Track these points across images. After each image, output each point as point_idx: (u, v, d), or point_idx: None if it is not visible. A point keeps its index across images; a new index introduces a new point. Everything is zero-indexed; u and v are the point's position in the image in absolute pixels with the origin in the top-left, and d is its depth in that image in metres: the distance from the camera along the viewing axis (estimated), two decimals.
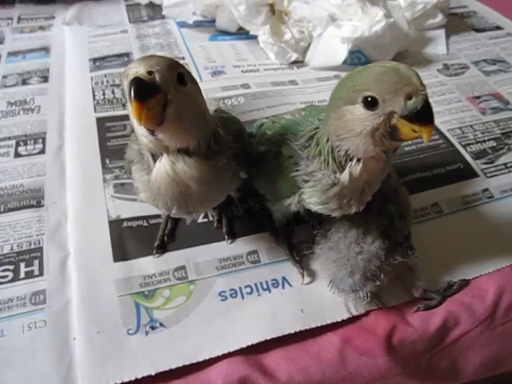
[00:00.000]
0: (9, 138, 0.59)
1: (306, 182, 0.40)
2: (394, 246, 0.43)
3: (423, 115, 0.32)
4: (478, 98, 0.71)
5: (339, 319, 0.43)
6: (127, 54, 0.76)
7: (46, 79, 0.70)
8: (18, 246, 0.47)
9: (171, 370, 0.39)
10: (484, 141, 0.63)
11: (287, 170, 0.41)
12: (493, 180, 0.57)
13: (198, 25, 0.84)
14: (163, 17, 0.87)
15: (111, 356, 0.39)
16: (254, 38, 0.79)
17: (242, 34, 0.82)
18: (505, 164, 0.60)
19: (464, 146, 0.62)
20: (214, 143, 0.38)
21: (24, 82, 0.69)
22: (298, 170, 0.40)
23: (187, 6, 0.77)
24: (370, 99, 0.33)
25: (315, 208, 0.41)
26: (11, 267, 0.45)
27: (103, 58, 0.75)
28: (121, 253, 0.47)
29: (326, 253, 0.44)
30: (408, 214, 0.45)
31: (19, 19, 0.87)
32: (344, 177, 0.38)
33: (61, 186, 0.53)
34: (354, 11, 0.71)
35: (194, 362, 0.40)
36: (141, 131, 0.34)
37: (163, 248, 0.48)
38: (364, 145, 0.35)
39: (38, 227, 0.48)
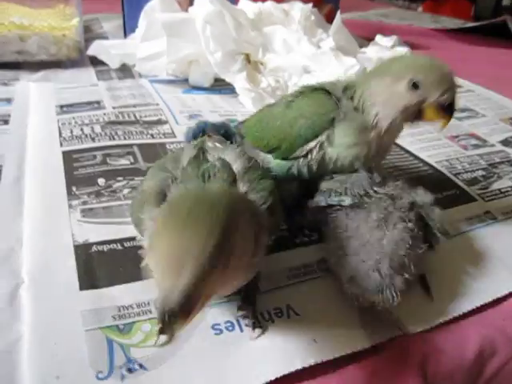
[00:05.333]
0: None
1: (345, 119, 0.43)
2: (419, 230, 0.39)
3: (450, 108, 0.41)
4: (457, 137, 0.72)
5: (360, 348, 0.36)
6: (98, 102, 0.73)
7: (6, 122, 0.65)
8: None
9: None
10: (473, 170, 0.62)
11: (324, 102, 0.44)
12: (492, 203, 0.55)
13: (170, 82, 0.84)
14: (134, 77, 0.87)
15: None
16: (229, 92, 0.80)
17: (215, 89, 0.82)
18: (499, 189, 0.58)
19: (455, 175, 0.60)
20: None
21: None
22: (338, 106, 0.43)
23: (160, 60, 0.76)
24: (415, 82, 0.40)
25: (341, 152, 0.43)
26: None
27: (71, 105, 0.71)
28: (89, 280, 0.38)
29: (344, 243, 0.38)
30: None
31: None
32: (379, 128, 0.43)
33: (16, 213, 0.45)
34: (327, 60, 0.74)
35: None
36: None
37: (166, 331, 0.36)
38: (393, 115, 0.42)
39: None
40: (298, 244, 0.45)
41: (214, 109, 0.74)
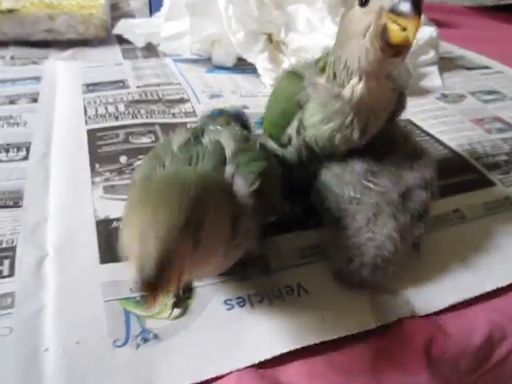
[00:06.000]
0: None
1: (310, 97, 0.39)
2: (413, 222, 0.39)
3: (408, 6, 0.32)
4: (482, 120, 0.70)
5: (368, 328, 0.36)
6: (122, 81, 0.74)
7: (35, 100, 0.67)
8: None
9: None
10: (494, 155, 0.61)
11: (293, 84, 0.41)
12: None
13: (194, 61, 0.84)
14: (159, 56, 0.88)
15: (92, 371, 0.31)
16: (251, 72, 0.79)
17: (238, 68, 0.82)
18: None
19: (476, 159, 0.59)
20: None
21: (11, 103, 0.66)
22: (303, 83, 0.40)
23: (184, 40, 0.77)
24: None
25: (315, 132, 0.40)
26: None
27: (97, 84, 0.73)
28: (109, 254, 0.40)
29: (335, 239, 0.39)
30: (434, 184, 0.41)
31: (12, 58, 0.86)
32: (346, 90, 0.37)
33: (43, 188, 0.48)
34: None
35: (197, 381, 0.32)
36: None
37: (179, 304, 0.37)
38: (359, 49, 0.35)
39: (13, 227, 0.42)
40: (312, 226, 0.46)
41: (236, 89, 0.74)
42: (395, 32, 0.33)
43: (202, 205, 0.26)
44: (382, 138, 0.43)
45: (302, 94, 0.40)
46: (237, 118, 0.48)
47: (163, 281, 0.24)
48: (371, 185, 0.40)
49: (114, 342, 0.33)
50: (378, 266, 0.37)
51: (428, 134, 0.65)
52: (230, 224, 0.30)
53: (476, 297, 0.40)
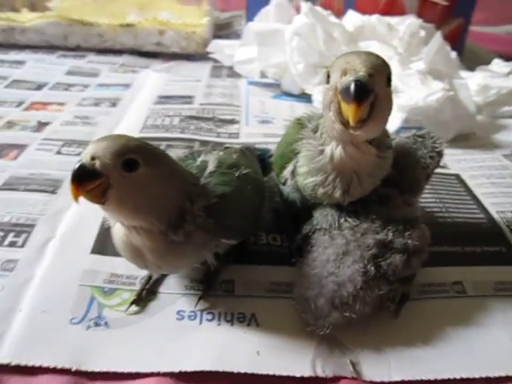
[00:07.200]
0: (59, 140, 0.66)
1: (302, 148, 0.42)
2: (381, 279, 0.38)
3: (349, 93, 0.33)
4: None
5: (298, 375, 0.37)
6: (190, 97, 0.83)
7: (114, 105, 0.79)
8: (16, 219, 0.50)
9: (92, 372, 0.36)
10: None
11: (294, 132, 0.44)
12: None
13: (266, 85, 0.89)
14: (241, 76, 0.94)
15: (44, 337, 0.38)
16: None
17: (303, 97, 0.85)
18: None
19: None
20: (176, 220, 0.36)
21: (96, 105, 0.79)
22: (302, 134, 0.43)
23: (253, 65, 0.82)
24: (328, 74, 0.37)
25: (303, 182, 0.42)
26: (1, 234, 0.48)
27: (169, 97, 0.82)
28: (100, 247, 0.47)
29: (302, 267, 0.40)
30: (416, 256, 0.40)
31: (121, 65, 1.01)
32: (327, 150, 0.39)
33: None
34: (413, 82, 0.70)
35: (118, 371, 0.36)
36: None
37: (138, 303, 0.42)
38: (327, 119, 0.37)
39: (41, 209, 0.52)
40: (292, 263, 0.47)
41: (290, 118, 0.76)
42: (344, 110, 0.35)
43: (147, 155, 0.34)
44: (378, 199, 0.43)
45: (298, 143, 0.42)
46: (260, 158, 0.54)
47: (86, 178, 0.32)
48: (347, 223, 0.41)
49: (72, 319, 0.40)
50: (335, 305, 0.37)
51: (470, 194, 0.60)
52: (175, 203, 0.36)
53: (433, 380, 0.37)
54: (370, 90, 0.34)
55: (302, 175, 0.42)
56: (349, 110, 0.34)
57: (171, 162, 0.38)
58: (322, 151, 0.40)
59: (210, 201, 0.38)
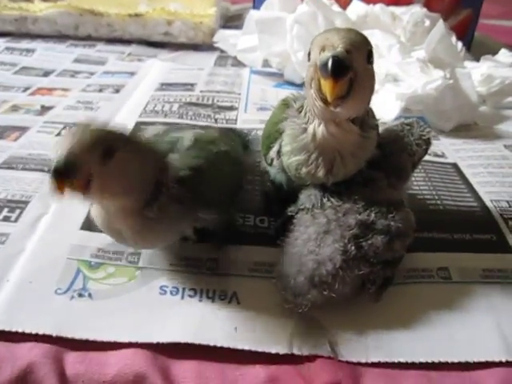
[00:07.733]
0: (60, 123, 0.68)
1: (286, 127, 0.42)
2: (361, 260, 0.38)
3: (326, 69, 0.33)
4: None
5: (273, 351, 0.37)
6: (191, 84, 0.84)
7: (117, 91, 0.81)
8: (12, 195, 0.51)
9: (74, 340, 0.37)
10: None
11: (280, 112, 0.44)
12: None
13: (269, 74, 0.90)
14: (245, 66, 0.95)
15: (28, 305, 0.39)
16: None
17: None
18: None
19: (506, 220, 0.52)
20: (151, 195, 0.37)
21: (99, 91, 0.81)
22: (286, 113, 0.43)
23: (255, 54, 0.82)
24: (309, 51, 0.37)
25: (287, 162, 0.42)
26: None
27: (170, 84, 0.83)
28: (89, 223, 0.47)
29: (284, 246, 0.41)
30: (399, 239, 0.40)
31: (129, 54, 1.02)
32: (310, 129, 0.39)
33: None
34: (413, 71, 0.69)
35: (98, 339, 0.37)
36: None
37: None
38: (309, 97, 0.37)
39: (36, 187, 0.53)
40: (276, 244, 0.47)
41: None
42: (323, 87, 0.35)
43: (118, 140, 0.35)
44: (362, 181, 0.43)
45: (283, 122, 0.43)
46: (240, 137, 0.55)
47: (69, 174, 0.32)
48: (330, 203, 0.41)
49: (57, 289, 0.41)
50: (315, 283, 0.37)
51: (465, 182, 0.59)
52: (148, 179, 0.37)
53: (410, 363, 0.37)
54: (348, 65, 0.34)
55: (286, 154, 0.42)
56: (326, 86, 0.34)
57: (139, 140, 0.39)
58: (305, 129, 0.40)
59: (183, 172, 0.39)
